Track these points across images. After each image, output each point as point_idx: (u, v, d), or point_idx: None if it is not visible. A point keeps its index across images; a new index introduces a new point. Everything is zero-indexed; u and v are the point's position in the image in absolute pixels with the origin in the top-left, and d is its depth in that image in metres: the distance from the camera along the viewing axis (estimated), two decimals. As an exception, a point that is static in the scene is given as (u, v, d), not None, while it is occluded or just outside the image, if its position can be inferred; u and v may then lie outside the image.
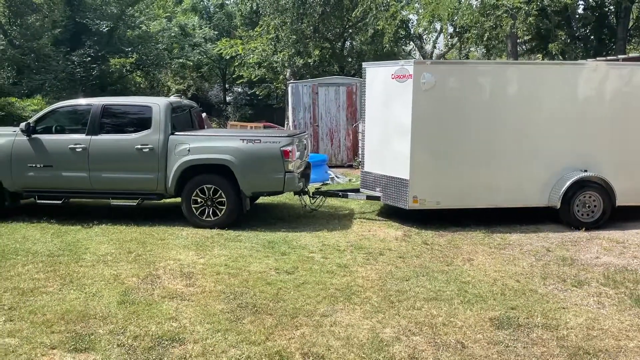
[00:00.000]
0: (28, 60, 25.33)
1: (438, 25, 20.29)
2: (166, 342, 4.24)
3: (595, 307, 5.21)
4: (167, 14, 32.74)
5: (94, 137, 8.11)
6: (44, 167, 8.21)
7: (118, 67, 24.97)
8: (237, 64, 23.34)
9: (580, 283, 5.86)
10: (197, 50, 30.44)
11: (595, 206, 8.30)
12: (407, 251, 6.96)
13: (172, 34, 29.79)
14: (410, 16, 19.62)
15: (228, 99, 33.39)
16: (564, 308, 5.12)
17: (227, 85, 33.85)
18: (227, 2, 33.39)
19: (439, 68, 8.13)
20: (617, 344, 4.39)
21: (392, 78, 8.21)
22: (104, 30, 24.79)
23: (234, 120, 25.91)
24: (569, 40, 18.79)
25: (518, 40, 18.57)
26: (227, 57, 24.08)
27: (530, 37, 19.40)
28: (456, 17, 16.38)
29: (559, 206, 8.18)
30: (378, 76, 8.70)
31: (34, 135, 8.21)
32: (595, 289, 5.68)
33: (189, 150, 7.91)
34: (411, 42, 27.50)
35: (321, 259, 6.54)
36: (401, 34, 21.17)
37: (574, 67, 8.83)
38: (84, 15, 24.43)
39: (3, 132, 8.59)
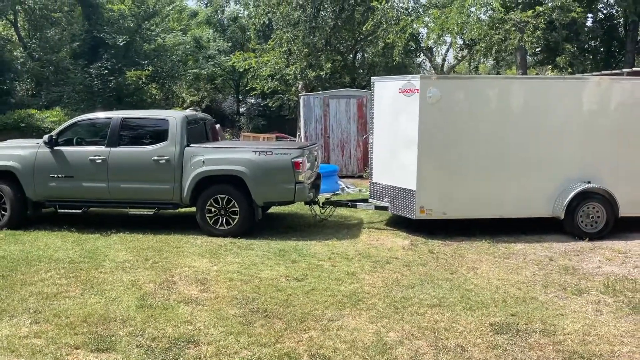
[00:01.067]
0: (47, 72, 25.71)
1: (448, 39, 20.41)
2: (182, 344, 4.45)
3: (593, 314, 5.31)
4: (181, 27, 33.01)
5: (113, 149, 8.32)
6: (65, 177, 8.40)
7: (134, 79, 25.26)
8: (250, 76, 23.54)
9: (580, 291, 5.95)
10: (212, 62, 30.39)
11: (598, 217, 8.33)
12: (413, 260, 7.07)
13: (187, 47, 30.06)
14: (420, 29, 19.76)
15: (241, 110, 33.44)
16: (562, 315, 5.22)
17: (240, 97, 33.92)
18: (240, 15, 33.67)
19: (444, 83, 8.29)
20: (611, 349, 4.51)
21: (400, 92, 8.35)
22: (121, 44, 25.03)
23: (247, 131, 26.06)
24: (577, 53, 18.81)
25: (527, 53, 18.64)
26: (241, 70, 24.26)
27: (539, 49, 19.46)
28: (465, 31, 16.54)
29: (562, 217, 8.25)
30: (386, 90, 8.85)
31: (56, 147, 8.45)
32: (594, 297, 5.78)
33: (203, 161, 8.08)
34: (421, 55, 27.66)
35: (330, 266, 6.68)
36: (411, 47, 21.34)
37: (578, 81, 8.92)
38: (101, 29, 24.75)
39: (27, 145, 8.84)
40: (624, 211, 8.40)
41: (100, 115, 8.91)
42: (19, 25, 27.58)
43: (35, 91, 26.09)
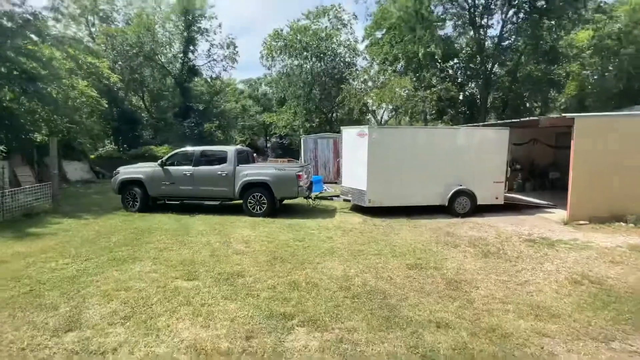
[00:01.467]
0: (160, 125, 25.72)
1: (384, 105, 20.60)
2: (235, 276, 4.48)
3: (463, 258, 5.39)
4: (235, 99, 33.21)
5: (196, 168, 8.35)
6: (170, 183, 8.40)
7: (208, 128, 25.27)
8: (273, 126, 23.62)
9: (456, 245, 6.02)
10: (252, 118, 30.89)
11: (467, 204, 8.42)
12: (364, 229, 7.11)
13: (238, 110, 30.24)
14: (368, 100, 19.93)
15: (268, 145, 33.59)
16: (445, 259, 5.31)
17: (267, 137, 34.07)
18: (267, 93, 33.79)
19: (382, 130, 8.38)
20: (472, 277, 4.60)
21: (357, 135, 8.44)
22: (201, 109, 25.06)
23: (271, 157, 26.17)
24: (454, 114, 19.10)
25: (427, 114, 18.87)
26: (267, 123, 24.36)
27: (434, 112, 19.72)
28: (393, 101, 16.74)
29: (447, 204, 8.37)
30: (349, 134, 8.90)
31: (164, 167, 8.47)
32: (463, 249, 5.85)
33: (246, 174, 8.10)
34: (369, 115, 27.88)
35: (318, 233, 6.71)
36: (363, 109, 21.47)
37: (453, 129, 9.02)
38: (190, 100, 24.74)
39: (150, 165, 8.80)
40: (480, 201, 8.53)
41: (189, 148, 8.82)
42: (145, 98, 27.44)
43: (154, 136, 25.96)
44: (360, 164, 8.39)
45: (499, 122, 11.50)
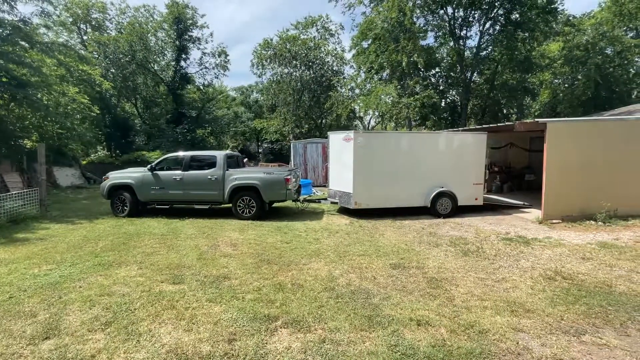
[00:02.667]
0: (153, 131, 25.20)
1: (370, 111, 20.69)
2: (221, 279, 4.34)
3: (444, 257, 5.36)
4: (227, 106, 32.91)
5: (186, 172, 8.15)
6: (160, 188, 8.18)
7: (201, 134, 24.94)
8: (264, 132, 23.46)
9: (437, 245, 6.00)
10: (244, 124, 30.61)
11: (448, 205, 8.44)
12: (351, 230, 7.03)
13: (230, 116, 29.94)
14: (355, 107, 19.99)
15: (260, 150, 33.36)
16: (427, 258, 5.26)
17: (259, 143, 33.84)
18: (259, 100, 33.63)
19: (367, 135, 8.31)
20: (452, 275, 4.57)
21: (343, 140, 8.38)
22: (194, 115, 24.74)
23: (263, 162, 25.95)
24: (437, 120, 19.32)
25: (411, 119, 19.03)
26: (259, 129, 24.16)
27: (418, 118, 19.92)
28: (378, 108, 16.83)
29: (429, 205, 8.37)
30: (336, 139, 8.82)
31: (154, 172, 8.25)
32: (444, 248, 5.82)
33: (235, 179, 7.95)
34: (356, 120, 28.02)
35: (305, 235, 6.59)
36: (351, 116, 21.55)
37: (434, 134, 8.98)
38: (182, 107, 24.39)
39: (139, 169, 8.54)
40: (460, 202, 8.57)
41: (179, 153, 8.57)
42: (138, 105, 26.92)
43: (146, 141, 25.47)
44: (346, 167, 8.33)
45: (477, 127, 11.63)
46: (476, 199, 8.80)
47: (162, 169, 8.33)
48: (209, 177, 8.04)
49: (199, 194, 8.10)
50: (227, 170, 8.10)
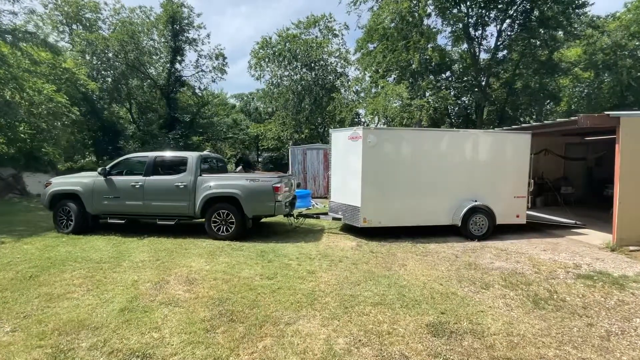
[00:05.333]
0: (147, 137, 23.77)
1: (376, 119, 19.00)
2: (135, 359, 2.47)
3: (505, 309, 3.50)
4: (226, 113, 31.54)
5: (147, 178, 6.35)
6: (114, 197, 6.37)
7: (196, 141, 23.37)
8: (262, 137, 21.79)
9: (487, 285, 4.16)
10: (242, 132, 29.13)
11: (484, 224, 6.59)
12: (359, 258, 5.16)
13: (228, 123, 28.51)
14: (360, 110, 18.32)
15: (260, 159, 31.79)
16: (482, 311, 3.39)
17: (259, 152, 32.31)
18: (259, 107, 32.26)
19: (379, 132, 6.46)
20: (538, 352, 2.68)
21: (349, 139, 6.59)
22: (187, 120, 23.27)
23: (262, 171, 24.30)
24: (448, 125, 17.58)
25: (421, 124, 17.31)
26: (256, 134, 22.58)
27: (428, 123, 18.23)
28: (388, 111, 15.11)
29: (459, 224, 6.50)
30: (340, 138, 7.06)
31: (108, 177, 6.48)
32: (499, 291, 3.98)
33: (210, 187, 6.14)
34: (361, 124, 26.31)
35: (296, 265, 4.74)
36: (355, 120, 19.89)
37: (466, 132, 6.93)
38: (176, 112, 22.97)
39: (89, 175, 6.78)
40: (499, 220, 6.69)
41: (141, 154, 6.82)
42: (133, 111, 25.52)
43: (140, 148, 24.03)
44: (352, 174, 6.53)
45: (523, 125, 9.68)
46: (517, 216, 6.91)
47: (119, 174, 6.54)
48: (177, 184, 6.23)
49: (162, 205, 6.28)
50: (200, 175, 6.31)
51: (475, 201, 6.57)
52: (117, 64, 20.75)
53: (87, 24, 21.86)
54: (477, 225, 6.58)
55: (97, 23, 22.41)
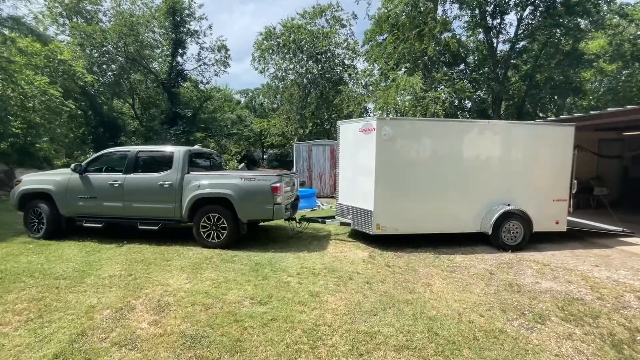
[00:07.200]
0: (149, 133, 23.21)
1: (386, 114, 17.98)
2: None
3: (578, 357, 2.59)
4: (231, 109, 30.82)
5: (128, 176, 5.53)
6: (90, 198, 5.57)
7: (199, 137, 22.65)
8: (266, 133, 20.93)
9: (542, 317, 3.21)
10: (247, 128, 28.38)
11: (519, 232, 5.62)
12: (372, 275, 4.24)
13: (233, 119, 27.78)
14: (369, 105, 17.31)
15: (265, 157, 31.00)
16: (551, 364, 2.47)
17: (264, 149, 31.53)
18: (263, 103, 31.42)
19: (396, 123, 5.54)
20: None
21: (360, 131, 5.67)
22: (189, 115, 22.56)
23: (267, 169, 23.52)
24: (466, 119, 16.48)
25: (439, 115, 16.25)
26: (259, 130, 21.81)
27: (443, 117, 17.17)
28: (397, 106, 14.08)
29: (490, 232, 5.52)
30: (349, 130, 6.14)
31: (84, 174, 5.67)
32: (560, 327, 3.05)
33: (198, 186, 5.31)
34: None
35: (296, 284, 3.85)
36: (363, 115, 18.94)
37: (498, 123, 5.88)
38: (177, 107, 22.31)
39: (62, 172, 5.97)
40: (536, 228, 5.69)
41: (121, 148, 5.97)
42: (136, 107, 24.96)
43: (143, 144, 23.47)
44: (364, 172, 5.62)
45: (562, 117, 8.53)
46: (557, 222, 5.91)
47: (95, 171, 5.73)
48: (161, 182, 5.40)
49: (144, 207, 5.44)
50: (188, 173, 5.46)
51: (509, 205, 5.60)
52: (117, 57, 20.08)
53: (88, 16, 21.22)
54: (511, 233, 5.60)
55: (98, 15, 21.76)
